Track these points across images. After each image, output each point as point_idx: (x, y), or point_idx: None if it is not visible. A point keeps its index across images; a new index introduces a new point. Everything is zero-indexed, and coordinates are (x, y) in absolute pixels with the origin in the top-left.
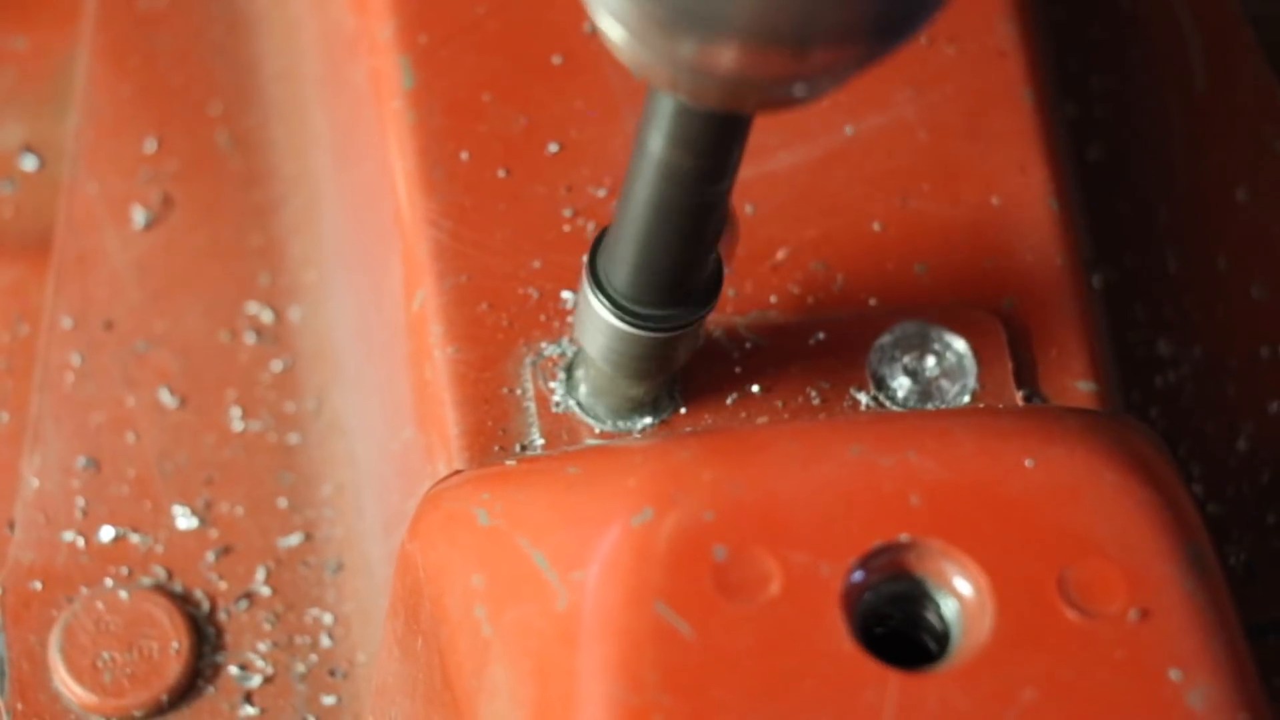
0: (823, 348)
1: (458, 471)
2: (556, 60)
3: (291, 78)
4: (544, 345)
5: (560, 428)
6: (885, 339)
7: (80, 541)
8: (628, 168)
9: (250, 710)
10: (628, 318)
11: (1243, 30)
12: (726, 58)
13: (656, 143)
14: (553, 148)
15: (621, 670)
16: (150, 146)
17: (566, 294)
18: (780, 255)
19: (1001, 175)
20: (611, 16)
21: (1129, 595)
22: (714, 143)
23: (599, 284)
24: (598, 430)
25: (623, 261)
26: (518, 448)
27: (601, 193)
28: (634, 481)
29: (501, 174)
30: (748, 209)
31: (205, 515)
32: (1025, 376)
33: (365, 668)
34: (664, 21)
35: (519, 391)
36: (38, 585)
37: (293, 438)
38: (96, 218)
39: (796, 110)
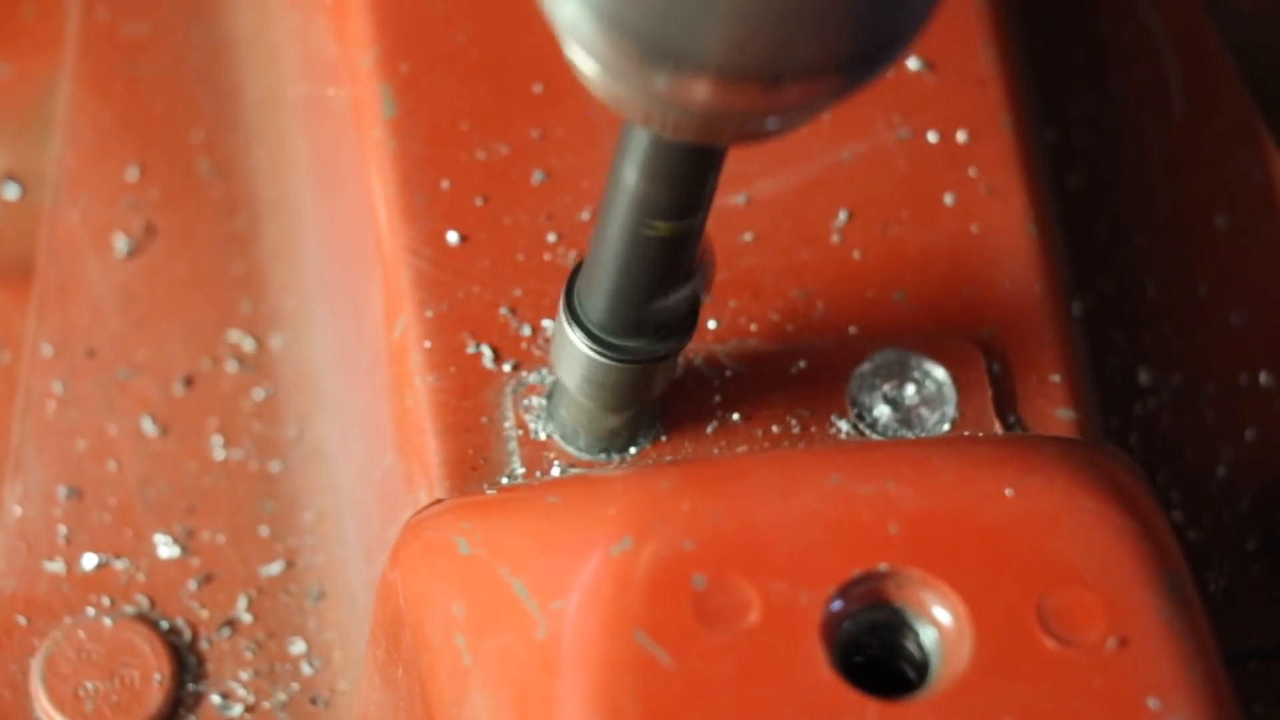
0: (803, 376)
1: (438, 500)
2: (537, 88)
3: (273, 105)
4: (525, 374)
5: (540, 456)
6: (865, 367)
7: (62, 570)
8: (602, 199)
9: None
10: (603, 349)
11: (1222, 58)
12: (699, 92)
13: (630, 175)
14: (534, 176)
15: (601, 699)
16: (132, 174)
17: (548, 322)
18: (760, 283)
19: (981, 202)
20: (583, 50)
21: (1107, 624)
22: (688, 175)
23: (575, 316)
24: (578, 459)
25: (598, 293)
26: (499, 477)
27: (584, 216)
28: (614, 510)
29: (482, 202)
30: (747, 236)
31: (187, 543)
32: (1005, 404)
33: (347, 696)
34: (636, 55)
35: (500, 420)
36: (19, 614)
37: (274, 466)
38: (78, 245)
39: (772, 142)
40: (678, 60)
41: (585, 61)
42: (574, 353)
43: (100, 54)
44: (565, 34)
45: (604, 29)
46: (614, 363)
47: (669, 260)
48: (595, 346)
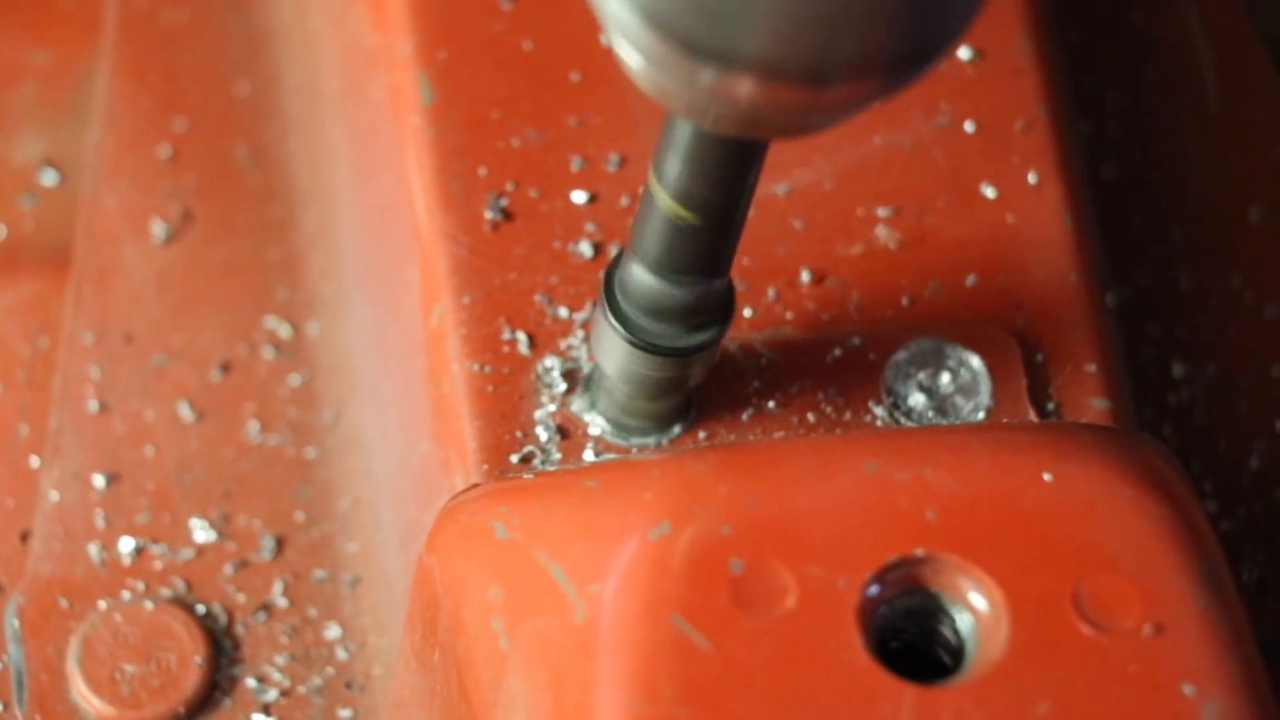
0: (838, 364)
1: (475, 485)
2: (575, 77)
3: (310, 93)
4: (561, 360)
5: (577, 442)
6: (900, 355)
7: (99, 554)
8: (643, 191)
9: None
10: (642, 341)
11: (1256, 50)
12: (744, 89)
13: (673, 167)
14: (571, 163)
15: (638, 682)
16: (170, 160)
17: (584, 309)
18: (796, 271)
19: (1017, 192)
20: (629, 43)
21: (1143, 610)
22: (730, 168)
23: (614, 306)
24: (614, 444)
25: (638, 285)
26: (535, 461)
27: (622, 204)
28: (651, 495)
29: (518, 189)
30: (783, 225)
31: (223, 528)
32: (1040, 393)
33: (381, 680)
34: (681, 53)
35: (536, 406)
36: (56, 597)
37: (310, 451)
38: (116, 231)
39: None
40: (723, 58)
41: (629, 54)
42: (613, 343)
43: (139, 41)
44: (610, 27)
45: (650, 26)
46: (652, 354)
47: (709, 253)
48: (633, 338)
